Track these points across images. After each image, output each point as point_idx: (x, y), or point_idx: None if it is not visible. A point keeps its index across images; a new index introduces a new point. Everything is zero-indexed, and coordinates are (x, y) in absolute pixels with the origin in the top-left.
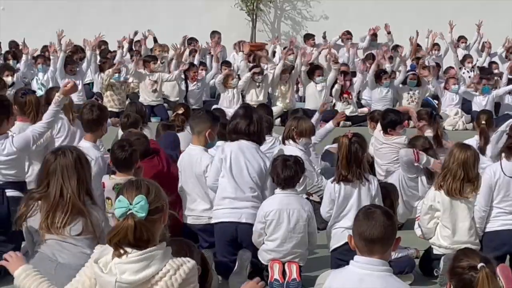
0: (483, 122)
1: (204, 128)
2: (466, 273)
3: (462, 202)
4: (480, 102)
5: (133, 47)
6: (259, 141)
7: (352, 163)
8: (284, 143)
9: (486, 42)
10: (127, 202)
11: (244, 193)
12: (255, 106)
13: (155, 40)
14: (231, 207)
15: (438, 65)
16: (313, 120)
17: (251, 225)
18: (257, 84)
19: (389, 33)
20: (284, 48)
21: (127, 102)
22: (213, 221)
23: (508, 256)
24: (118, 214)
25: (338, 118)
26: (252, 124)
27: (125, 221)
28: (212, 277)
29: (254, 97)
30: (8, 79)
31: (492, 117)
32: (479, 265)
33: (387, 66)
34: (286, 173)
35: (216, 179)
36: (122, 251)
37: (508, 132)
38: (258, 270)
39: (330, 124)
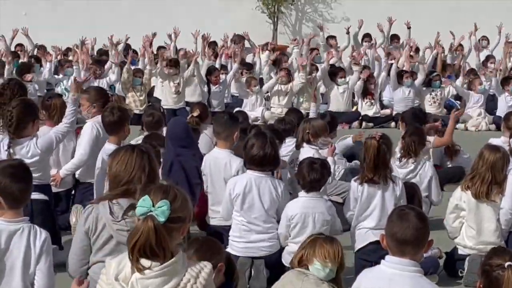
0: None
1: (231, 132)
2: (494, 270)
3: (488, 204)
4: (508, 101)
5: (155, 51)
6: (274, 166)
7: (380, 165)
8: (298, 147)
9: (510, 42)
10: (151, 203)
11: (259, 225)
12: (283, 110)
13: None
14: (247, 241)
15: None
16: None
17: (269, 255)
18: (284, 87)
19: (409, 28)
20: (312, 50)
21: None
22: (229, 250)
23: None
24: (138, 212)
25: (357, 137)
26: (265, 154)
27: (145, 223)
28: (238, 277)
29: (277, 101)
30: (30, 76)
31: None
32: (507, 264)
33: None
34: (312, 176)
35: (228, 215)
36: (139, 266)
37: None
38: (281, 272)
39: (349, 140)
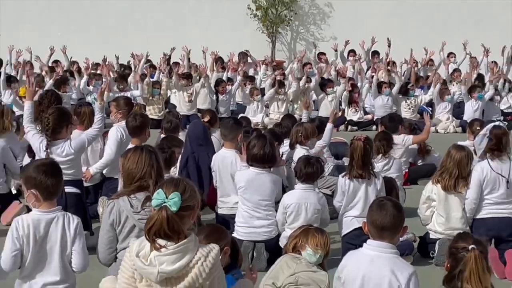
0: (478, 128)
1: (236, 135)
2: (459, 252)
3: (455, 196)
4: (473, 106)
5: (171, 65)
6: (272, 163)
7: (366, 162)
8: (291, 147)
9: (473, 57)
10: (164, 195)
11: (259, 213)
12: (281, 116)
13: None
14: (249, 226)
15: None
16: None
17: (268, 240)
18: (281, 96)
19: (388, 46)
20: (305, 65)
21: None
22: (235, 235)
23: (493, 240)
24: (154, 204)
25: (333, 116)
26: (265, 152)
27: (160, 212)
28: (242, 257)
29: (276, 108)
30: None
31: (484, 123)
32: (470, 246)
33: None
34: (308, 169)
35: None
36: (157, 245)
37: (488, 135)
38: (279, 254)
39: (329, 125)
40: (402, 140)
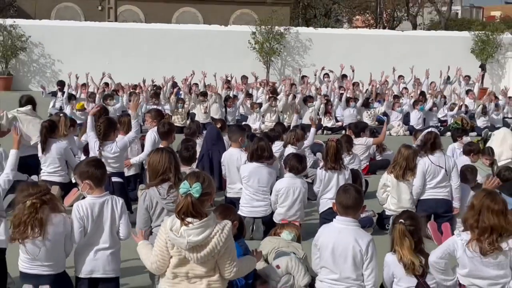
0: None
1: (239, 137)
2: (395, 223)
3: (404, 183)
4: (417, 115)
5: (192, 87)
6: (268, 160)
7: (338, 158)
8: (285, 146)
9: (417, 79)
10: (188, 185)
11: (258, 196)
12: (273, 123)
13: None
14: (251, 206)
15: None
16: (311, 133)
17: (264, 216)
18: (273, 109)
19: (353, 71)
20: (291, 86)
21: (188, 120)
22: (240, 213)
23: (433, 216)
24: (181, 192)
25: (313, 124)
26: (264, 152)
27: (186, 198)
28: (245, 230)
29: (269, 117)
30: (113, 102)
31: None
32: (400, 220)
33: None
34: (297, 164)
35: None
36: (185, 222)
37: (422, 140)
38: (272, 227)
39: (312, 129)
40: (365, 142)
